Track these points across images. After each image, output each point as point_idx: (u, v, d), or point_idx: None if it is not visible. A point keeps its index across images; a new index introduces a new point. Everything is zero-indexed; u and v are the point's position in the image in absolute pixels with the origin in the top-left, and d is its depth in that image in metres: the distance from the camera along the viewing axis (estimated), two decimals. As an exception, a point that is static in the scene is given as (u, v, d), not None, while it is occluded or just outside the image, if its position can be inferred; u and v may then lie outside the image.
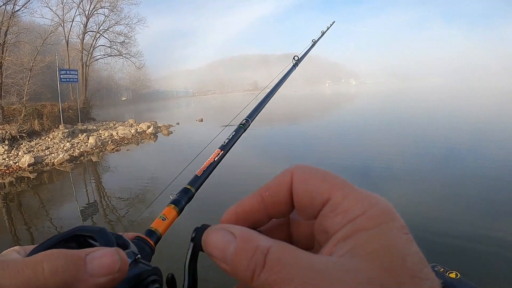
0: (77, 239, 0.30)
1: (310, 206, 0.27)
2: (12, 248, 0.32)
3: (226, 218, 0.30)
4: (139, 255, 0.30)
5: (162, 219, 0.42)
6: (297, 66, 1.50)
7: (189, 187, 0.51)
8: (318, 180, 0.26)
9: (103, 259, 0.25)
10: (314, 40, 2.04)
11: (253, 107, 0.91)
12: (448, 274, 1.11)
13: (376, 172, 8.77)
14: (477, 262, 4.24)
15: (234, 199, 0.31)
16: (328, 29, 2.91)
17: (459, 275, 1.11)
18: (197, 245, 0.30)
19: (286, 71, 1.36)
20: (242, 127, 0.78)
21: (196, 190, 0.53)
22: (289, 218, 0.31)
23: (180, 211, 0.46)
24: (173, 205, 0.46)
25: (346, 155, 10.77)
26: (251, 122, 0.83)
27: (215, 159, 0.61)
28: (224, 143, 0.67)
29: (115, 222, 7.10)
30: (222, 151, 0.63)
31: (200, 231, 0.29)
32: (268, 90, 1.06)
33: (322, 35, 2.42)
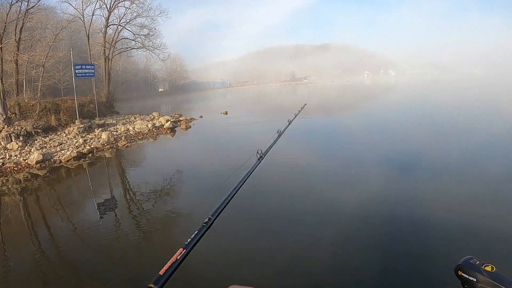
0: None
1: None
2: None
3: None
4: None
5: None
6: (262, 159, 1.88)
7: (152, 286, 0.54)
8: None
9: None
10: (279, 131, 2.50)
11: (217, 205, 1.02)
12: (484, 267, 1.09)
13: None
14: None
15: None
16: (296, 116, 3.24)
17: (495, 269, 1.07)
18: None
19: (252, 164, 1.76)
20: (205, 226, 0.80)
21: None
22: None
23: None
24: None
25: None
26: (214, 220, 0.88)
27: (177, 258, 0.61)
28: (187, 242, 0.67)
29: (111, 225, 6.60)
30: (185, 250, 0.64)
31: None
32: (232, 188, 1.32)
33: (289, 124, 2.90)
